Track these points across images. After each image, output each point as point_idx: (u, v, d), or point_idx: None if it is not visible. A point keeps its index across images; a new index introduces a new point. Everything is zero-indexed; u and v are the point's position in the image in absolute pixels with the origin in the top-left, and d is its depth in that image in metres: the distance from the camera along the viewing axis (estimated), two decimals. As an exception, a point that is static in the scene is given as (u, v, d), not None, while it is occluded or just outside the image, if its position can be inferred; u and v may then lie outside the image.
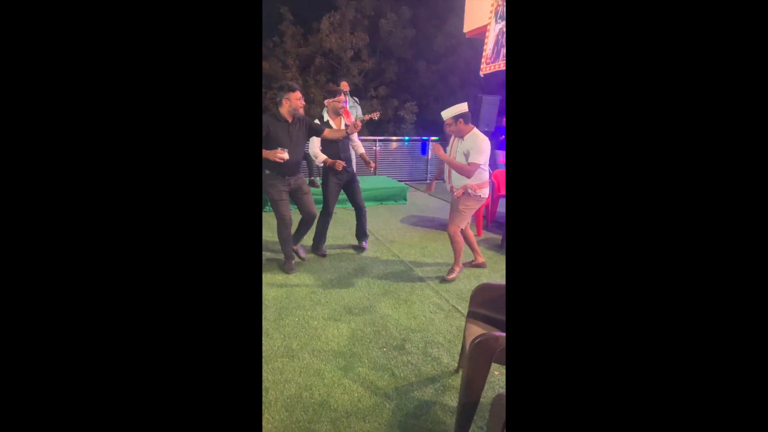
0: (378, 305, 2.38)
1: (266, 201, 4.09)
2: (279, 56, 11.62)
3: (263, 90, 11.11)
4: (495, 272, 2.92)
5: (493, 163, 4.43)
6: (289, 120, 2.51)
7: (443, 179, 2.79)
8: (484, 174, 2.56)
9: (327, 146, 2.91)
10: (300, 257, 2.98)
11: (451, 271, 2.76)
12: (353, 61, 11.83)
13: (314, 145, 2.92)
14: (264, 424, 1.44)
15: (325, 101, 2.97)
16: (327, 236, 3.17)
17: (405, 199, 5.17)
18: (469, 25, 4.41)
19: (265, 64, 11.27)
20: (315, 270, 2.88)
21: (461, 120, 2.49)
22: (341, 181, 3.01)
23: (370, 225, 4.00)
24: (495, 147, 5.00)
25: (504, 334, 1.25)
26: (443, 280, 2.73)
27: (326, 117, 2.99)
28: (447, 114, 2.51)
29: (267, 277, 2.72)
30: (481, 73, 4.11)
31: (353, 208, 3.22)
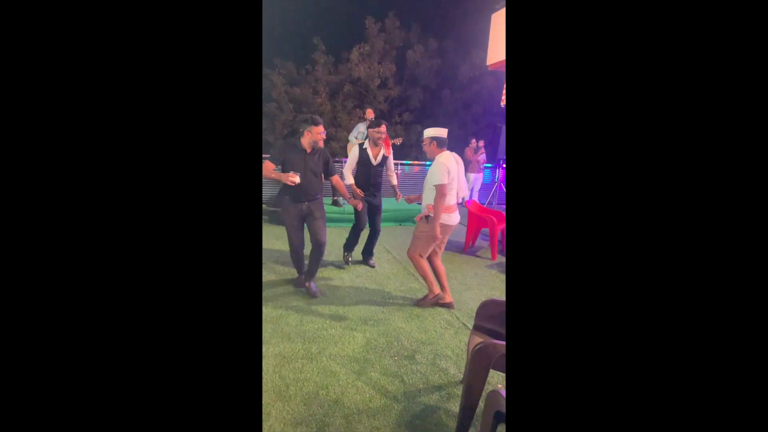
0: (392, 318, 2.53)
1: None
2: (310, 83, 12.30)
3: (294, 114, 11.77)
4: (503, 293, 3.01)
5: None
6: (308, 150, 2.60)
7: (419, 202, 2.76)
8: (450, 198, 2.49)
9: (360, 170, 3.16)
10: (311, 293, 2.83)
11: (425, 296, 2.73)
12: (380, 89, 12.37)
13: (348, 165, 3.17)
14: (284, 415, 1.61)
15: (368, 129, 3.19)
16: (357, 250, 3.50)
17: (423, 222, 5.34)
18: (492, 57, 4.64)
19: (296, 90, 11.98)
20: (334, 283, 3.08)
21: (435, 142, 2.52)
22: (367, 204, 3.23)
23: (388, 244, 4.19)
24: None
25: (503, 343, 1.39)
26: (415, 303, 2.74)
27: (366, 145, 3.18)
28: (427, 133, 2.60)
29: (289, 288, 2.94)
30: (502, 104, 4.30)
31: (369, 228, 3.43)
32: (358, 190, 3.09)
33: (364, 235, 3.46)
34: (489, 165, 6.89)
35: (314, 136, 2.56)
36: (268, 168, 2.49)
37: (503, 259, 3.90)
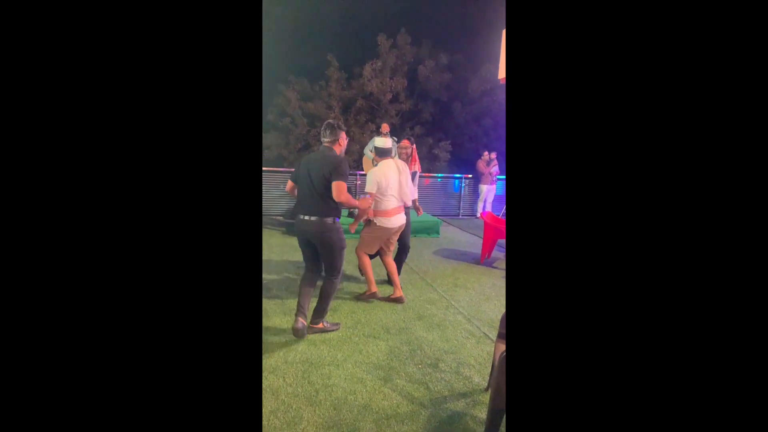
0: (413, 327, 2.58)
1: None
2: (324, 98, 12.60)
3: (308, 128, 12.03)
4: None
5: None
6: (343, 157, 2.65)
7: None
8: (387, 203, 2.76)
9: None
10: (326, 329, 2.47)
11: (365, 292, 2.99)
12: (391, 103, 12.60)
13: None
14: (316, 419, 1.66)
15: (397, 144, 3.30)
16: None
17: (438, 233, 5.40)
18: (504, 71, 4.75)
19: (310, 105, 12.29)
20: (356, 293, 3.14)
21: (375, 152, 2.85)
22: None
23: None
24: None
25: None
26: (358, 297, 2.97)
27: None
28: (373, 143, 2.80)
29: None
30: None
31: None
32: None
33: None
34: (502, 177, 6.93)
35: (342, 142, 2.36)
36: (291, 187, 2.39)
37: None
